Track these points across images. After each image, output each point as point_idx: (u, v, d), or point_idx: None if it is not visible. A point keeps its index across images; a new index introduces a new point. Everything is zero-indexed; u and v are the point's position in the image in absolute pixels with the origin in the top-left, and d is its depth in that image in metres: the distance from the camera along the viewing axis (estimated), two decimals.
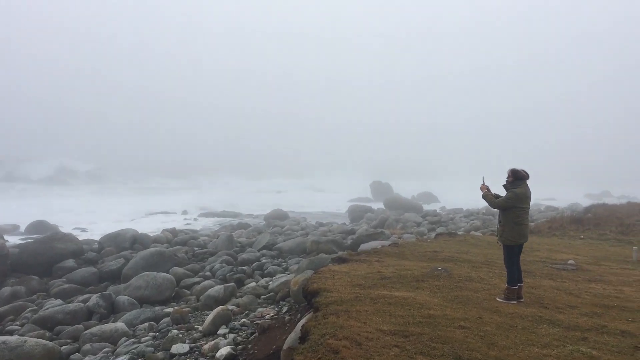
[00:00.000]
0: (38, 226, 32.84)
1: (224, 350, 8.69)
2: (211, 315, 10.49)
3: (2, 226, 34.03)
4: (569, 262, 12.21)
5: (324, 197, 71.72)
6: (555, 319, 6.80)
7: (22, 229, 34.08)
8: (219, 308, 10.80)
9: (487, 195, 7.95)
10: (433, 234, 24.77)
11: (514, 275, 7.69)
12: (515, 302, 7.62)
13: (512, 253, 7.70)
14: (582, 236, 18.95)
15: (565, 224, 21.59)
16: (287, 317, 10.13)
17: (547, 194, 71.49)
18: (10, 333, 12.31)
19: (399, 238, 23.72)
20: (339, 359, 4.77)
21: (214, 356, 8.82)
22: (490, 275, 9.83)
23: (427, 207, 51.92)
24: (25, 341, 9.14)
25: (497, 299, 7.74)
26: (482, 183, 8.14)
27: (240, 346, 9.17)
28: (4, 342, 8.84)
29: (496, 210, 7.91)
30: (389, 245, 15.00)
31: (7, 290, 16.19)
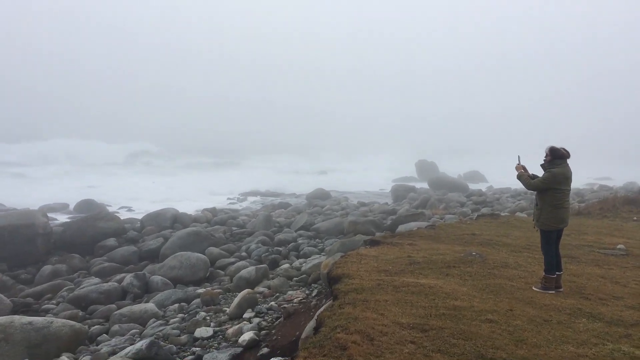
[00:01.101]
0: (86, 205, 33.62)
1: (247, 336, 8.45)
2: (237, 298, 10.29)
3: (52, 205, 35.12)
4: (619, 246, 11.38)
5: (368, 176, 70.94)
6: (596, 312, 6.20)
7: (72, 207, 34.99)
8: (246, 291, 10.60)
9: (523, 175, 7.34)
10: (476, 214, 23.99)
11: (552, 262, 7.08)
12: (553, 291, 7.03)
13: (550, 239, 7.09)
14: (635, 218, 17.82)
15: (618, 205, 20.37)
16: (313, 302, 9.81)
17: (603, 173, 68.49)
18: (46, 312, 12.53)
19: (441, 219, 23.02)
20: (346, 357, 4.38)
21: (236, 341, 8.60)
22: (529, 261, 9.20)
23: (473, 187, 50.57)
24: (51, 322, 9.16)
25: (534, 288, 7.16)
26: (517, 162, 7.53)
27: (264, 331, 8.92)
28: (30, 323, 8.87)
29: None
30: (426, 227, 14.45)
31: (48, 268, 16.54)
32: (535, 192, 7.22)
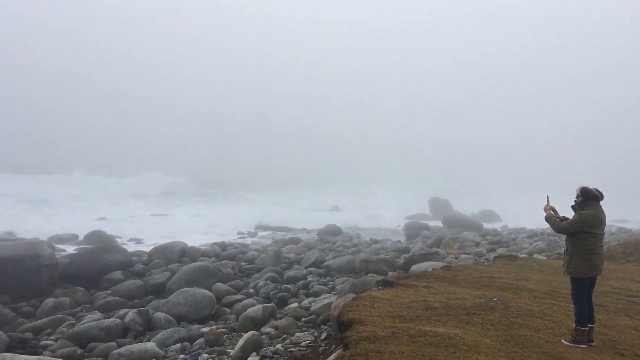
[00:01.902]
0: (95, 236, 33.31)
1: None
2: (241, 341, 9.72)
3: (62, 235, 34.93)
4: None
5: (380, 212, 70.36)
6: None
7: (81, 238, 34.71)
8: (250, 333, 10.03)
9: (551, 217, 6.82)
10: (492, 255, 23.28)
11: (584, 313, 6.49)
12: (584, 346, 6.42)
13: (581, 287, 6.52)
14: None
15: None
16: (322, 347, 9.22)
17: (618, 215, 67.16)
18: (44, 348, 12.01)
19: (456, 258, 22.35)
20: None
21: None
22: (554, 309, 8.58)
23: (488, 226, 49.68)
24: None
25: (563, 341, 6.56)
26: (546, 203, 7.02)
27: None
28: None
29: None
30: (442, 267, 13.85)
31: (50, 301, 16.05)
32: (565, 236, 6.69)
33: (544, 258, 19.28)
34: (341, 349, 6.35)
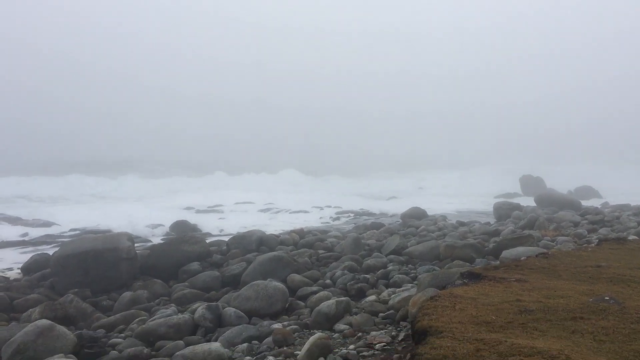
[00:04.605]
0: (179, 226, 33.74)
1: None
2: (307, 345, 8.73)
3: (150, 225, 35.86)
4: None
5: (469, 192, 67.60)
6: None
7: (167, 228, 35.36)
8: (317, 336, 9.03)
9: None
10: (594, 236, 20.97)
11: None
12: None
13: None
14: None
15: None
16: (396, 355, 8.04)
17: None
18: (113, 347, 11.71)
19: (552, 241, 20.29)
20: None
21: None
22: None
23: (586, 204, 45.88)
24: None
25: None
26: None
27: None
28: None
29: None
30: (537, 255, 12.17)
31: (127, 295, 15.96)
32: None
33: None
34: None
